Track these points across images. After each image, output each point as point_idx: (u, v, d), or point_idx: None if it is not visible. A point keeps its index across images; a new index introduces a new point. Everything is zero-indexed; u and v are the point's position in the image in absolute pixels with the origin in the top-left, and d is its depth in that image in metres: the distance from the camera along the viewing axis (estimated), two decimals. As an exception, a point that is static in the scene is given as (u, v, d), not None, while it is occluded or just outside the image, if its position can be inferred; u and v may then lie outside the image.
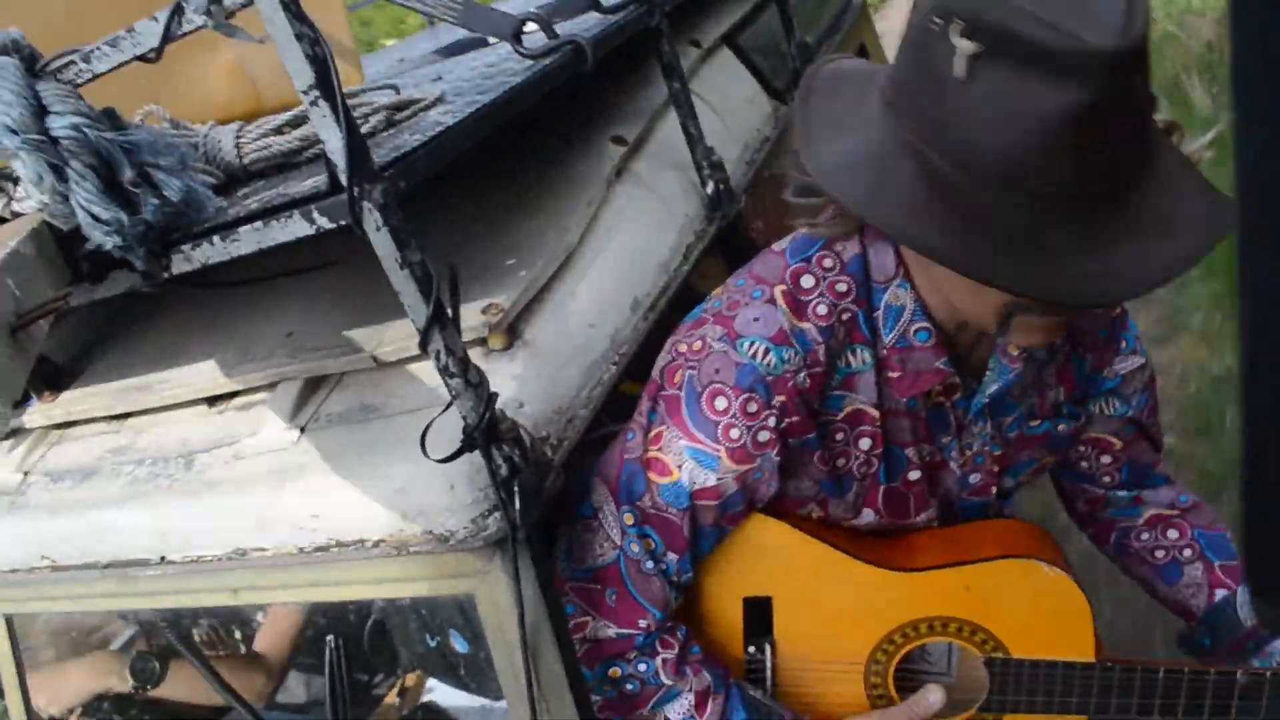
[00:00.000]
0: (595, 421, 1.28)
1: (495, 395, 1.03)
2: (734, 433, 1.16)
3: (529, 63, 1.30)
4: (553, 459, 1.14)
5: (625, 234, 1.47)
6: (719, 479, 1.19)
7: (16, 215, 1.06)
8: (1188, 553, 1.43)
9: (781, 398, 1.16)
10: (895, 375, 1.20)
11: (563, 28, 1.37)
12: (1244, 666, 1.24)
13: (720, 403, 1.16)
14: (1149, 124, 0.95)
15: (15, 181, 1.06)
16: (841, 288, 1.18)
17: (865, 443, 1.24)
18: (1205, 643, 1.42)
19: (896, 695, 1.34)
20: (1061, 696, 1.29)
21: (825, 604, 1.32)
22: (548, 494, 1.11)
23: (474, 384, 1.01)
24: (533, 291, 1.27)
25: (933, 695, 1.29)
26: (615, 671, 1.25)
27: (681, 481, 1.19)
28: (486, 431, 1.02)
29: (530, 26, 1.31)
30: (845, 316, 1.18)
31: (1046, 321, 1.08)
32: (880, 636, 1.32)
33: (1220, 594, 1.39)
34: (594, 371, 1.28)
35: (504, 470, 1.05)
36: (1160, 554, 1.46)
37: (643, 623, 1.24)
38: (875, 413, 1.22)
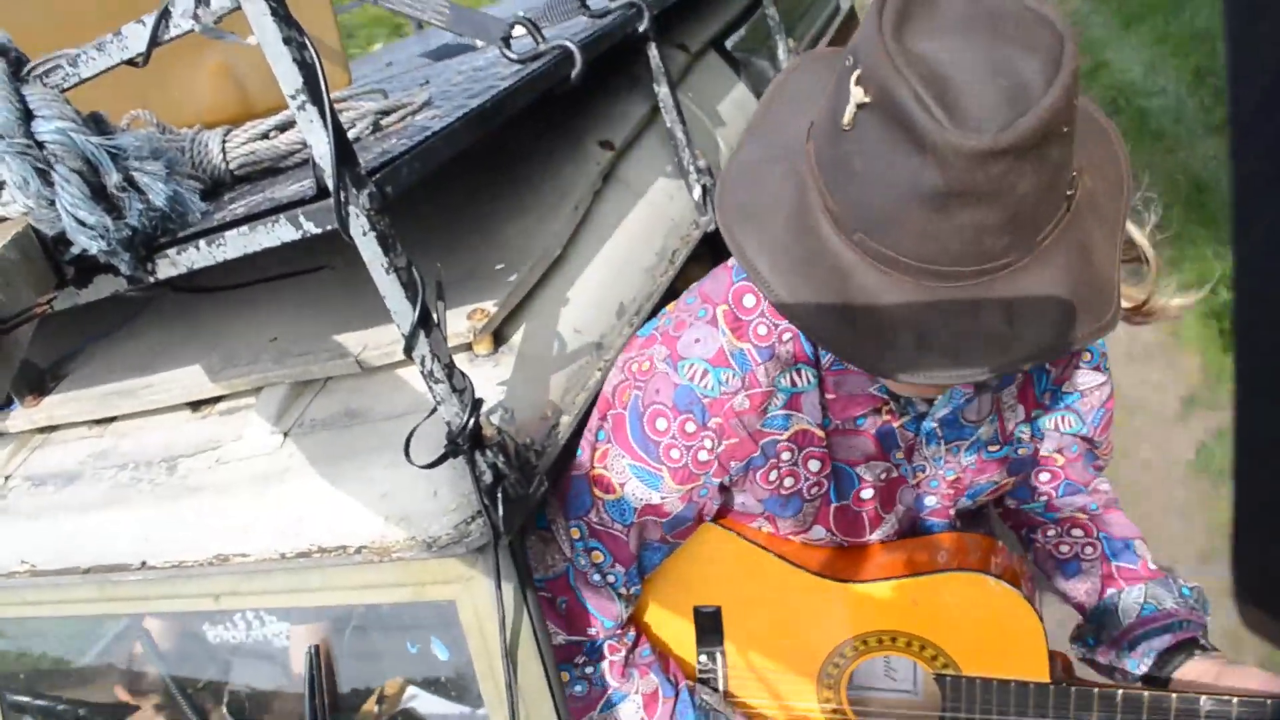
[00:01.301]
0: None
1: (480, 401, 1.03)
2: (674, 453, 1.18)
3: (517, 67, 1.30)
4: (537, 465, 1.14)
5: (612, 238, 1.47)
6: (662, 497, 1.20)
7: (1, 220, 1.05)
8: (1089, 550, 1.45)
9: (718, 420, 1.16)
10: (832, 397, 1.20)
11: (551, 32, 1.37)
12: (1205, 689, 1.23)
13: (661, 423, 1.17)
14: (1026, 220, 0.89)
15: (0, 186, 1.05)
16: None
17: (814, 464, 1.24)
18: (1090, 641, 1.43)
19: (849, 708, 1.34)
20: (1016, 714, 1.28)
21: (774, 614, 1.32)
22: (531, 500, 1.11)
23: (459, 389, 1.01)
24: (519, 296, 1.27)
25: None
26: (564, 675, 1.27)
27: (625, 499, 1.20)
28: (471, 437, 1.02)
29: (518, 31, 1.32)
30: (785, 336, 1.17)
31: (917, 384, 1.07)
32: (831, 649, 1.32)
33: (1109, 592, 1.40)
34: (579, 377, 1.28)
35: (488, 476, 1.05)
36: (1064, 549, 1.48)
37: (591, 630, 1.27)
38: (821, 433, 1.22)
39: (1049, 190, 0.88)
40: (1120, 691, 1.23)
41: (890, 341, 0.92)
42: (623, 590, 1.26)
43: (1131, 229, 1.08)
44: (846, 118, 0.89)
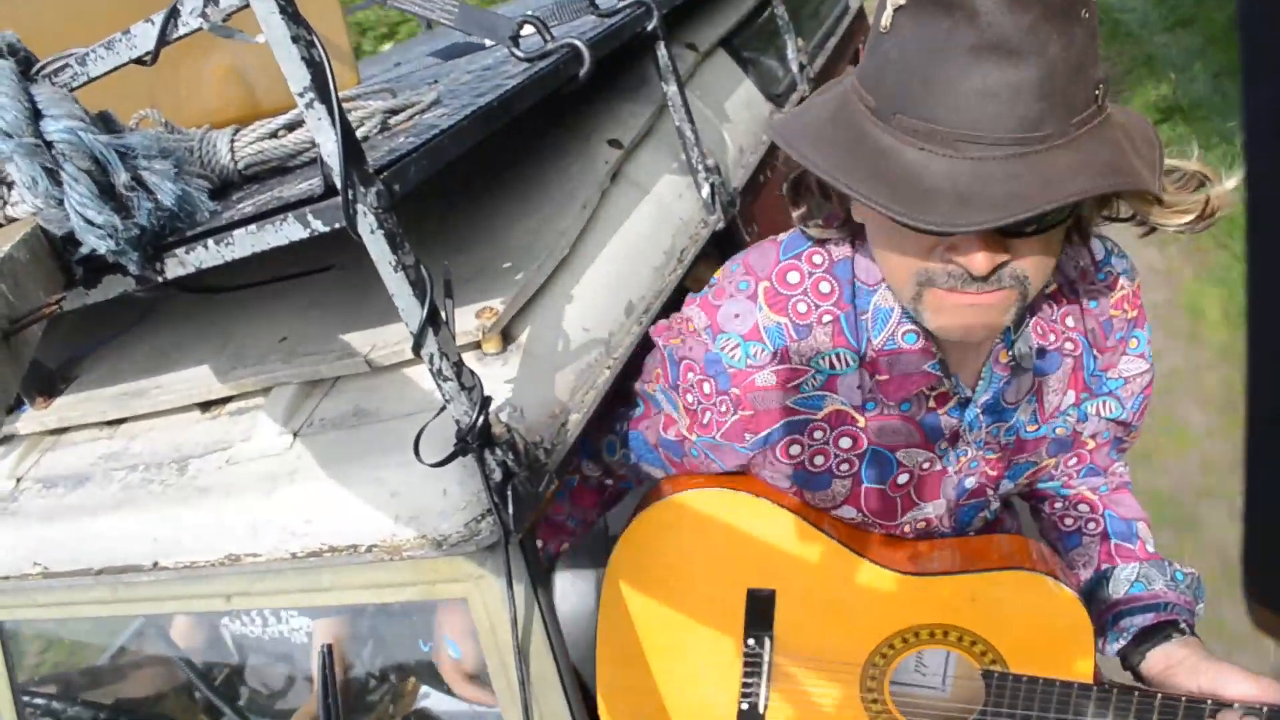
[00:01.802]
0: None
1: (489, 399, 1.03)
2: (690, 397, 1.26)
3: (525, 66, 1.30)
4: (546, 463, 1.14)
5: (620, 237, 1.47)
6: (671, 416, 1.33)
7: (11, 220, 1.06)
8: (1091, 525, 1.46)
9: (736, 390, 1.20)
10: (884, 378, 1.21)
11: (559, 31, 1.37)
12: (1241, 699, 1.22)
13: (690, 375, 1.25)
14: (1058, 91, 0.92)
15: (9, 185, 1.05)
16: (825, 288, 1.20)
17: (845, 442, 1.25)
18: None
19: (891, 701, 1.34)
20: (1057, 714, 1.27)
21: (829, 601, 1.32)
22: (541, 498, 1.11)
23: (468, 388, 1.00)
24: (527, 295, 1.26)
25: None
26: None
27: (654, 396, 1.37)
28: (480, 435, 1.02)
29: (527, 30, 1.31)
30: (826, 319, 1.19)
31: (956, 301, 1.05)
32: (880, 639, 1.32)
33: (1104, 567, 1.41)
34: (588, 375, 1.28)
35: (498, 474, 1.05)
36: (1069, 521, 1.49)
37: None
38: (859, 415, 1.23)
39: (1078, 70, 0.92)
40: (1159, 695, 1.22)
41: (932, 204, 0.93)
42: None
43: (1176, 161, 1.09)
44: (885, 21, 0.94)
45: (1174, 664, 1.27)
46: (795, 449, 1.26)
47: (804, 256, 1.22)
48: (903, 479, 1.29)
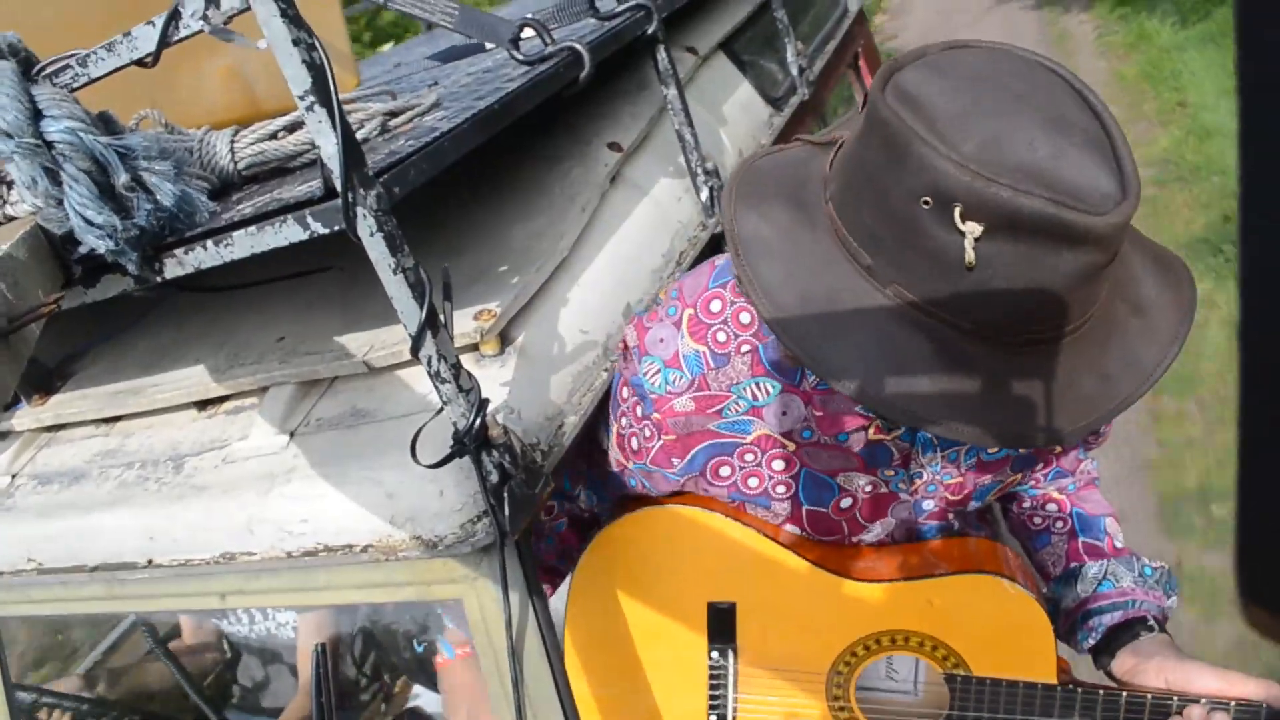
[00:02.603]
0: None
1: (487, 401, 1.03)
2: (624, 420, 1.26)
3: (525, 69, 1.31)
4: (543, 465, 1.14)
5: (619, 239, 1.47)
6: (607, 445, 1.33)
7: (10, 219, 1.06)
8: (1059, 525, 1.46)
9: (658, 415, 1.21)
10: (819, 415, 1.20)
11: (559, 34, 1.37)
12: (1207, 694, 1.23)
13: (626, 393, 1.25)
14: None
15: (9, 185, 1.06)
16: (745, 318, 1.18)
17: (779, 464, 1.24)
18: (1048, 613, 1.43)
19: (858, 708, 1.34)
20: (1023, 715, 1.28)
21: (789, 612, 1.32)
22: (537, 501, 1.11)
23: (465, 389, 1.01)
24: (525, 297, 1.27)
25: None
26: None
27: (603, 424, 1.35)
28: (477, 437, 1.02)
29: (527, 32, 1.31)
30: (745, 349, 1.18)
31: None
32: (843, 648, 1.32)
33: (1072, 565, 1.41)
34: (586, 377, 1.28)
35: (494, 476, 1.05)
36: (1038, 520, 1.49)
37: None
38: (789, 442, 1.22)
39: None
40: (1124, 694, 1.23)
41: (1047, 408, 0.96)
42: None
43: None
44: (969, 257, 0.88)
45: (1142, 661, 1.27)
46: (725, 470, 1.25)
47: (729, 286, 1.20)
48: (845, 503, 1.28)
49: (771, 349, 1.18)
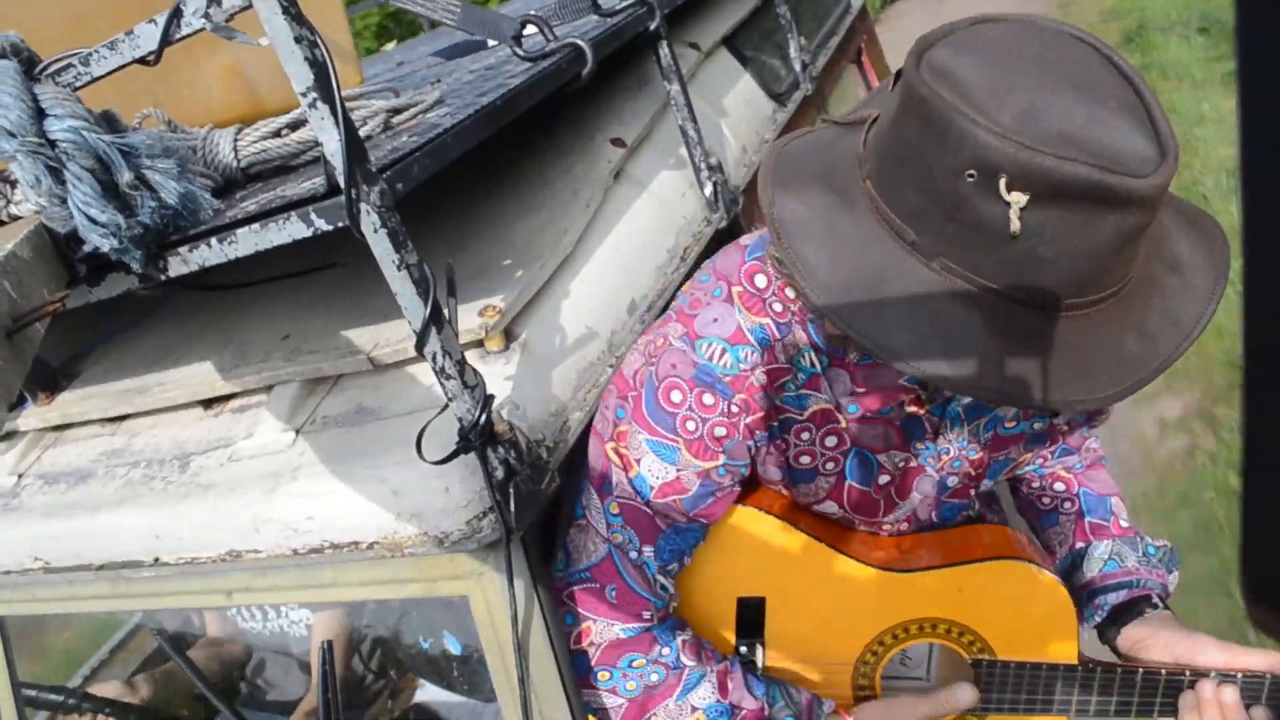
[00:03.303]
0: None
1: (492, 397, 1.03)
2: (690, 424, 1.18)
3: (528, 65, 1.30)
4: (548, 461, 1.14)
5: (623, 236, 1.47)
6: (679, 472, 1.20)
7: (14, 218, 1.06)
8: (1067, 505, 1.50)
9: (742, 395, 1.18)
10: (862, 391, 1.20)
11: (562, 30, 1.37)
12: (1214, 667, 1.26)
13: (676, 395, 1.18)
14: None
15: (13, 184, 1.06)
16: (790, 292, 1.19)
17: (831, 440, 1.25)
18: None
19: (882, 696, 1.35)
20: (1044, 696, 1.32)
21: (819, 604, 1.33)
22: (543, 496, 1.11)
23: (470, 386, 1.01)
24: (530, 293, 1.27)
25: (964, 693, 1.31)
26: (639, 661, 1.25)
27: (643, 475, 1.20)
28: (482, 433, 1.02)
29: (530, 29, 1.31)
30: (797, 321, 1.19)
31: None
32: (870, 637, 1.33)
33: (1079, 545, 1.45)
34: (591, 373, 1.28)
35: (500, 472, 1.05)
36: (1046, 500, 1.53)
37: (645, 614, 1.25)
38: (840, 415, 1.23)
39: None
40: (1140, 671, 1.27)
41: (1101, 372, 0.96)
42: (653, 574, 1.25)
43: None
44: (1015, 226, 0.89)
45: (1148, 638, 1.32)
46: (788, 449, 1.26)
47: (765, 261, 1.20)
48: (884, 480, 1.30)
49: (817, 325, 1.18)
